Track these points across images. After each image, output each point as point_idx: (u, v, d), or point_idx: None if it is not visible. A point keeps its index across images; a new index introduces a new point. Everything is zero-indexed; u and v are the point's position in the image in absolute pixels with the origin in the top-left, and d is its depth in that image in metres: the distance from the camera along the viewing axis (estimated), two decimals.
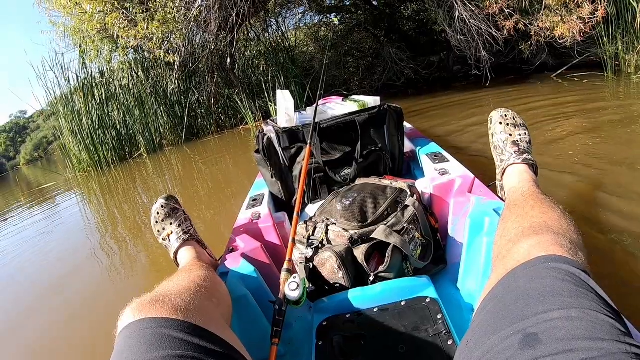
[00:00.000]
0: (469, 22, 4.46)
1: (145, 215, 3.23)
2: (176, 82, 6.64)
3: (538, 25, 4.13)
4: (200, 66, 6.44)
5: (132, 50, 6.35)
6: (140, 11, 5.27)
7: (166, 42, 5.60)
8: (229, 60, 6.30)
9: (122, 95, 6.67)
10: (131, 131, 6.56)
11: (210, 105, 6.75)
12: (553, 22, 3.99)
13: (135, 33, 5.41)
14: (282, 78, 6.16)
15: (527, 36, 4.44)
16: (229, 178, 3.78)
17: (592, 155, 1.94)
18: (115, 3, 5.42)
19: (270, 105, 5.92)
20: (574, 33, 3.87)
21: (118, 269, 2.36)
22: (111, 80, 6.81)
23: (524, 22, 4.19)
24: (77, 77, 6.37)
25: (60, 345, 1.74)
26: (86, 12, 5.63)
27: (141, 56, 6.73)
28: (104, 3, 5.41)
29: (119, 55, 6.61)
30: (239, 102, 6.24)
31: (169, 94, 6.77)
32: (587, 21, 3.80)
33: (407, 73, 6.35)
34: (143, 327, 0.57)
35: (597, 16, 3.74)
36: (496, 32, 4.33)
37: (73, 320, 1.91)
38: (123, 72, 6.83)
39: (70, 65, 6.59)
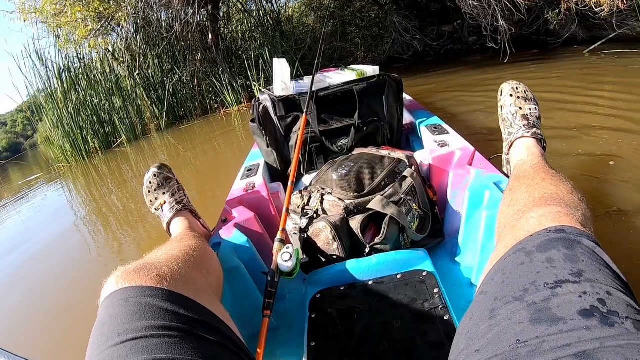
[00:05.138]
0: None
1: (132, 199, 3.14)
2: (156, 61, 6.23)
3: None
4: (183, 44, 6.06)
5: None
6: None
7: (100, 27, 5.33)
8: (210, 36, 5.93)
9: (101, 79, 6.24)
10: (112, 118, 6.14)
11: (194, 86, 6.35)
12: None
13: (66, 18, 5.18)
14: (268, 54, 5.71)
15: (554, 3, 3.89)
16: (218, 157, 3.67)
17: (621, 146, 1.75)
18: None
19: (255, 85, 5.64)
20: (613, 0, 3.21)
21: (107, 243, 2.35)
22: (90, 64, 6.39)
23: None
24: (52, 63, 6.03)
25: (45, 315, 1.74)
26: None
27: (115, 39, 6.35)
28: None
29: (90, 39, 6.16)
30: (217, 83, 5.92)
31: (150, 76, 6.34)
32: None
33: (415, 45, 5.75)
34: (126, 296, 0.55)
35: None
36: None
37: (58, 291, 1.91)
38: (98, 54, 6.42)
39: (46, 52, 6.25)
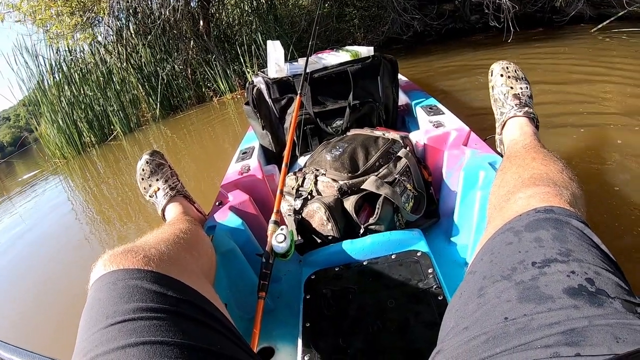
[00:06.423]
0: None
1: (130, 190, 3.10)
2: (147, 51, 6.04)
3: None
4: (175, 32, 5.88)
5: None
6: None
7: (83, 21, 5.24)
8: (201, 23, 5.77)
9: (93, 72, 6.07)
10: (106, 110, 5.97)
11: (187, 75, 6.18)
12: None
13: (42, 17, 5.09)
14: (261, 39, 5.54)
15: None
16: (214, 144, 3.63)
17: (631, 125, 1.68)
18: None
19: (248, 73, 5.52)
20: None
21: (106, 234, 2.36)
22: (82, 57, 6.27)
23: None
24: (44, 58, 5.90)
25: (39, 302, 1.75)
26: None
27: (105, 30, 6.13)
28: None
29: (68, 33, 6.00)
30: (210, 71, 5.78)
31: (143, 66, 6.16)
32: None
33: (414, 25, 5.41)
34: (114, 279, 0.55)
35: None
36: None
37: (53, 279, 1.92)
38: (90, 47, 6.23)
39: (37, 47, 5.97)
